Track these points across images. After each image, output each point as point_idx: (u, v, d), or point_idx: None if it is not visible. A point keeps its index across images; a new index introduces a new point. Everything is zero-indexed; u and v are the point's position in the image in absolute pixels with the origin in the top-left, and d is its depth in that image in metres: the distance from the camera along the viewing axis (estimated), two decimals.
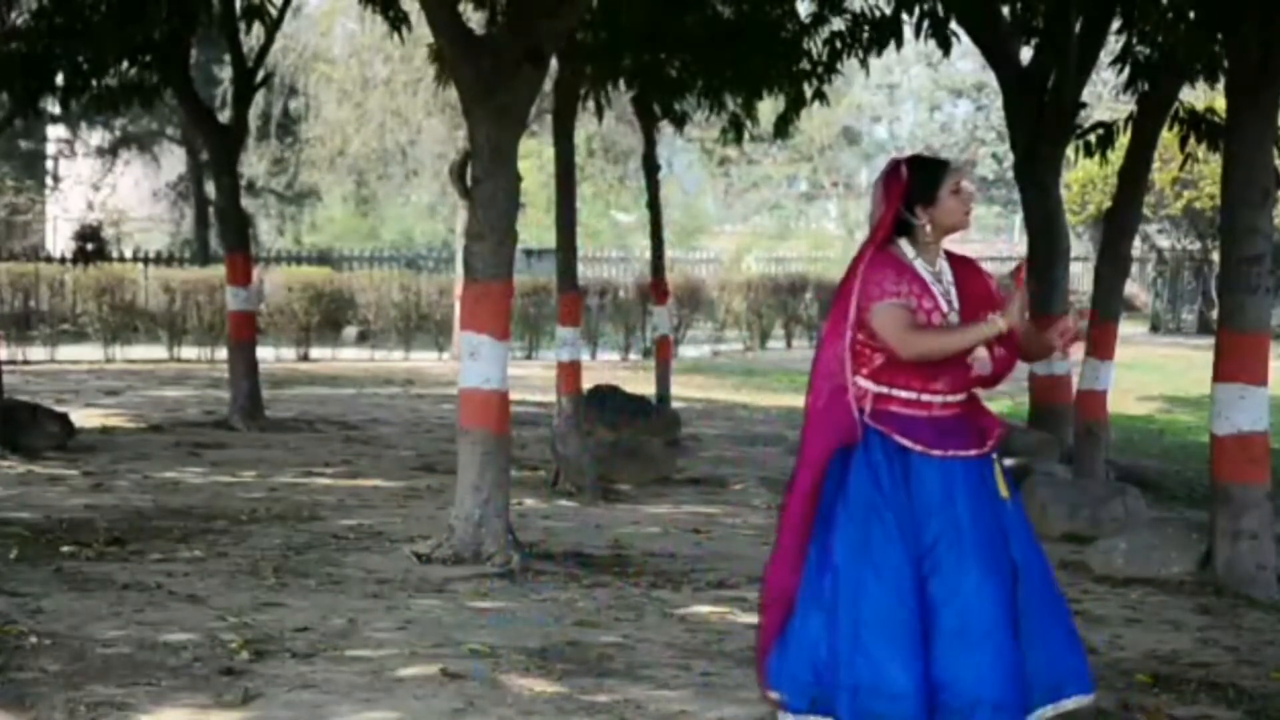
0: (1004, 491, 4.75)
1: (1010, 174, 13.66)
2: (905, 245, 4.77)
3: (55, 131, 30.94)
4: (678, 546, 8.42)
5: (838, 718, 4.60)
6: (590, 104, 11.92)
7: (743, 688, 5.38)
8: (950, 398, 4.77)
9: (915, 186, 4.76)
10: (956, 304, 4.75)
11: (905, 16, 10.33)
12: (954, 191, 4.75)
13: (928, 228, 4.76)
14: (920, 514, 4.66)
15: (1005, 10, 11.95)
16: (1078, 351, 5.01)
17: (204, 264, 24.74)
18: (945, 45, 10.48)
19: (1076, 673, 4.73)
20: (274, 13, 13.18)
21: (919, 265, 4.75)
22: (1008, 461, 10.02)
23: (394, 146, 26.49)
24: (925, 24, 10.24)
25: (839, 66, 11.46)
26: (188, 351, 20.83)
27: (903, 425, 4.72)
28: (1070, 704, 4.69)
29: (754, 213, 44.94)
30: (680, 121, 13.09)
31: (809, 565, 4.72)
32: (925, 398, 4.75)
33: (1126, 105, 11.57)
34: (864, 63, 11.19)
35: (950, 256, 4.87)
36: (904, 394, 4.74)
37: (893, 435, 4.71)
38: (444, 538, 7.63)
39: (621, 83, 12.22)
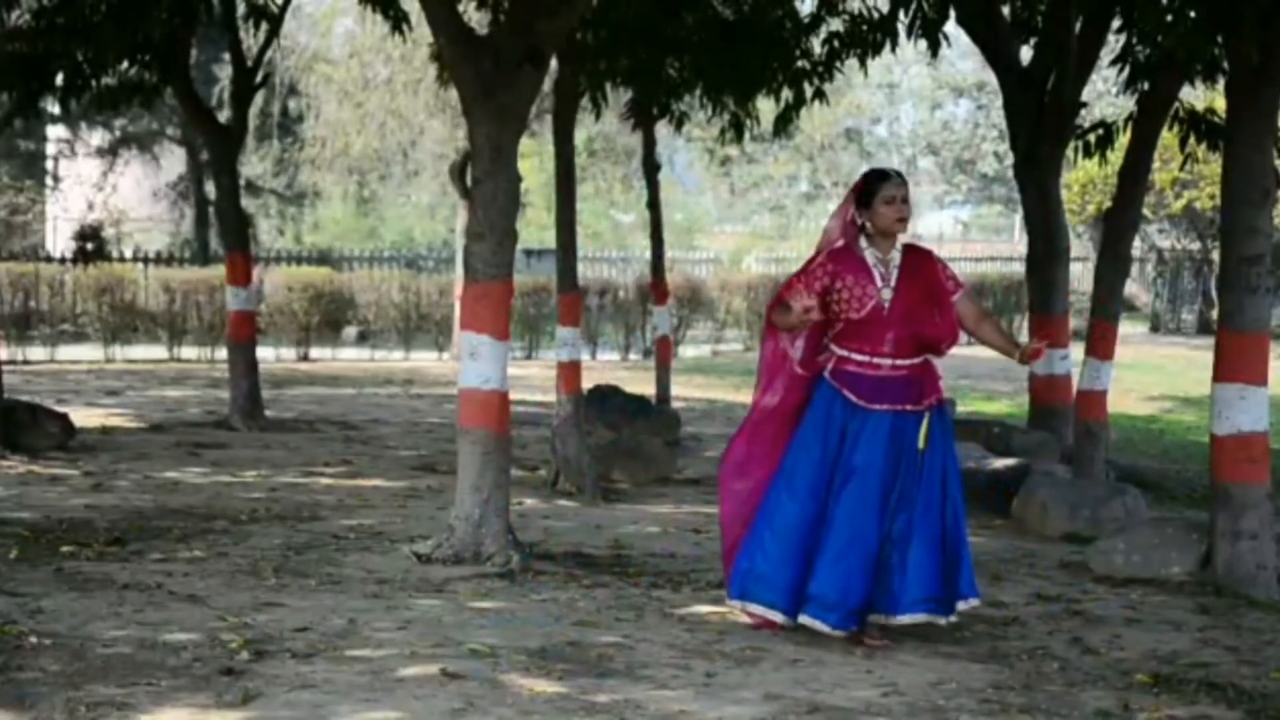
0: (921, 444, 5.92)
1: (1011, 173, 13.62)
2: (862, 239, 6.08)
3: (55, 131, 30.91)
4: (678, 546, 8.42)
5: (729, 595, 6.24)
6: (589, 104, 11.89)
7: (743, 688, 5.39)
8: (900, 361, 5.99)
9: (862, 194, 6.08)
10: (894, 284, 6.00)
11: (901, 16, 10.29)
12: (886, 201, 6.00)
13: (868, 226, 6.06)
14: (847, 452, 5.95)
15: (1005, 10, 11.94)
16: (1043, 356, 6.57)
17: (204, 264, 24.72)
18: (935, 46, 10.44)
19: (937, 597, 6.01)
20: (275, 12, 13.18)
21: (868, 254, 6.05)
22: (1008, 461, 10.15)
23: (394, 147, 26.45)
24: (917, 24, 10.19)
25: (838, 66, 11.44)
26: (188, 351, 20.83)
27: (852, 382, 6.00)
28: (928, 618, 6.02)
29: (754, 213, 44.93)
30: (679, 121, 13.08)
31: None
32: (876, 360, 6.00)
33: (1126, 105, 11.56)
34: (863, 62, 11.16)
35: (907, 248, 6.11)
36: (858, 356, 6.01)
37: (842, 390, 5.99)
38: (444, 538, 7.63)
39: (620, 82, 12.20)
